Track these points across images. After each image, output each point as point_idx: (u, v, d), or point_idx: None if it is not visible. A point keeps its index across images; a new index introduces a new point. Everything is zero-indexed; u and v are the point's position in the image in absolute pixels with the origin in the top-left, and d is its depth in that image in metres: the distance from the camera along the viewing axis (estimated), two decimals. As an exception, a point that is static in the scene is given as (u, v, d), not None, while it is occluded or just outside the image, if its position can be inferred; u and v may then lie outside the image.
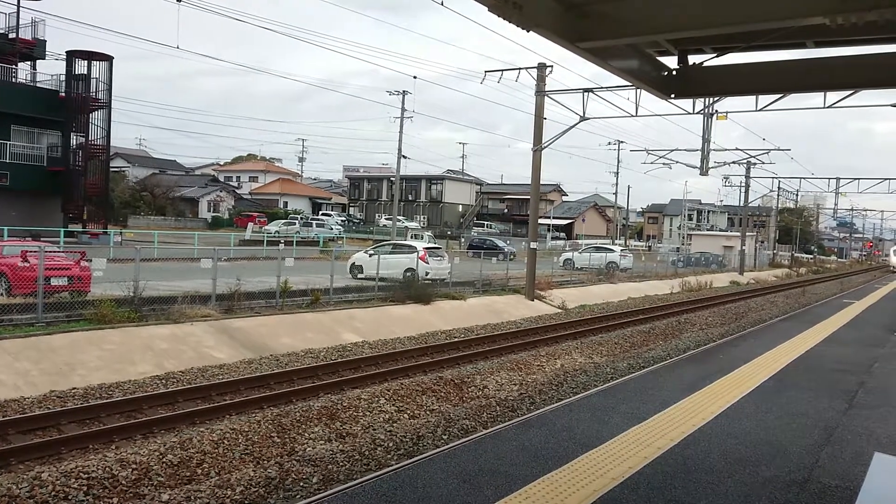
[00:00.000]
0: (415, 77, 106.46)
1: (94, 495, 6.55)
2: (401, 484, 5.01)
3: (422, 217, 79.00)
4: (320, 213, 76.90)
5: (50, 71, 38.48)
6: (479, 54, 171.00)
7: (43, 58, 36.42)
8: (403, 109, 48.36)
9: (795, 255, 77.77)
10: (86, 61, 35.61)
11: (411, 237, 47.56)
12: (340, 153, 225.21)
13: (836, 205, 67.33)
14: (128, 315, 13.33)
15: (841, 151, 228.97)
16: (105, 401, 9.60)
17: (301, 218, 63.65)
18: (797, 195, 68.82)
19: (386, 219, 68.08)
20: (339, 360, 13.20)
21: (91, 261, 15.35)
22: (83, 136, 35.94)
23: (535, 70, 24.07)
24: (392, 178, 61.58)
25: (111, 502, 6.52)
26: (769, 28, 5.23)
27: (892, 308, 17.87)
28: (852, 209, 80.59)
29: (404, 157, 49.49)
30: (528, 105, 29.14)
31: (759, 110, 18.23)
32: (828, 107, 18.23)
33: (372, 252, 25.10)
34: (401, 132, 48.37)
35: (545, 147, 24.39)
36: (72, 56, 35.49)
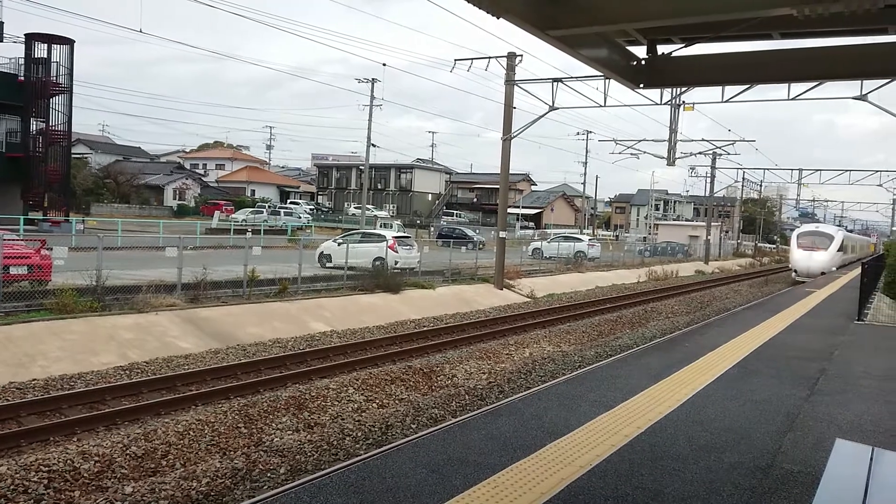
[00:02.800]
0: (384, 64, 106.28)
1: (55, 488, 6.41)
2: (369, 474, 4.98)
3: (391, 206, 78.69)
4: (288, 201, 76.22)
5: (8, 54, 37.27)
6: (449, 43, 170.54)
7: (0, 40, 35.39)
8: (373, 97, 48.04)
9: (759, 244, 79.15)
10: (46, 45, 34.70)
11: (380, 226, 47.36)
12: (309, 141, 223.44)
13: (798, 196, 68.67)
14: (90, 305, 13.05)
15: (804, 143, 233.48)
16: (67, 392, 9.41)
17: (269, 206, 63.03)
18: (761, 186, 69.95)
19: (355, 207, 67.67)
20: (308, 349, 13.10)
21: (52, 249, 14.98)
22: (43, 122, 35.07)
23: (505, 59, 24.03)
24: (361, 167, 61.20)
25: (73, 495, 6.39)
26: (737, 18, 5.26)
27: (851, 297, 18.26)
28: (814, 200, 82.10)
29: (374, 145, 49.16)
30: (498, 94, 29.13)
31: (726, 101, 18.41)
32: (792, 98, 18.53)
33: (341, 241, 24.93)
34: (370, 120, 48.06)
35: (514, 136, 24.41)
36: (31, 39, 34.56)
